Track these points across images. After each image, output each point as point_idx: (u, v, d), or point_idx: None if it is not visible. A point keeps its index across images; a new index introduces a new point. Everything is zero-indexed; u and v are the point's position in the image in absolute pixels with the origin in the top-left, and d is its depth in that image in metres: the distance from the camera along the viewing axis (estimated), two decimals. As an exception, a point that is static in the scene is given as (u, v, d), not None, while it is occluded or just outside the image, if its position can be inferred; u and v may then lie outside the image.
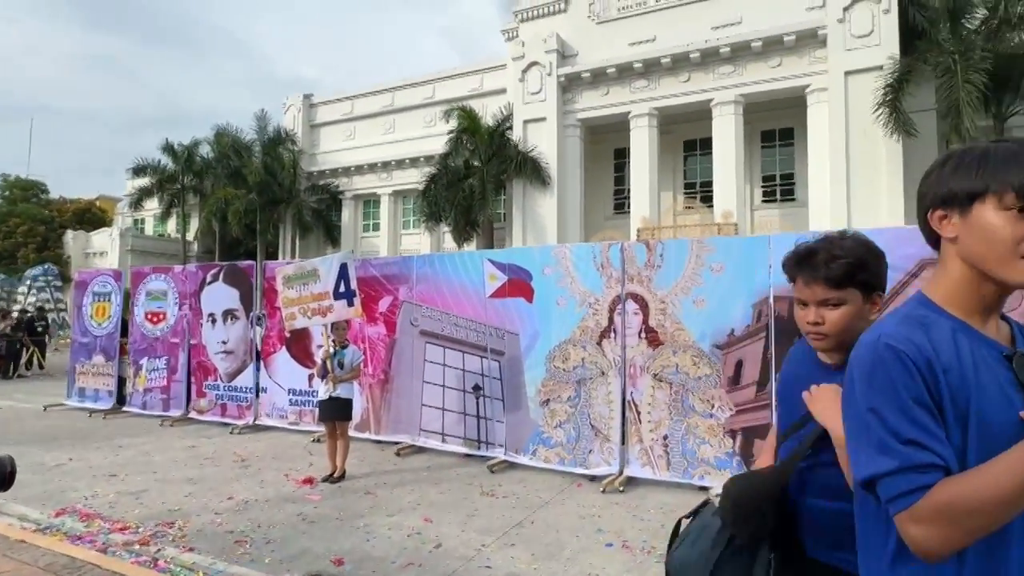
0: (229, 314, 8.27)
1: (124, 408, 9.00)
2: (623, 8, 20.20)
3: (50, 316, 16.49)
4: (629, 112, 19.72)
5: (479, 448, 6.34)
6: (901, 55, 15.35)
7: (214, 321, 8.36)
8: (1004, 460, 0.84)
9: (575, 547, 3.97)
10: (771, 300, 5.08)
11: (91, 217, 38.10)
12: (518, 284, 6.25)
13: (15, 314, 15.46)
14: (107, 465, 5.99)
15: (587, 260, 5.91)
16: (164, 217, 30.29)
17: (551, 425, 5.94)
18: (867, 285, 1.43)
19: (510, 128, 21.13)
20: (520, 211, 20.75)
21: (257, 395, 8.03)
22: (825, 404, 1.35)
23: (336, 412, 5.59)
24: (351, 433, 5.99)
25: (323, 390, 5.64)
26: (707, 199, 19.72)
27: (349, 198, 27.81)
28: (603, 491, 5.18)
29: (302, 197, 27.17)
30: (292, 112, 29.15)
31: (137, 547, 3.86)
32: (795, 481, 1.43)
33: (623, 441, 5.60)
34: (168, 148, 27.88)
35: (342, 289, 5.79)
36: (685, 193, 21.44)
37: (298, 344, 7.72)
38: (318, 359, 6.26)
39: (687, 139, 21.17)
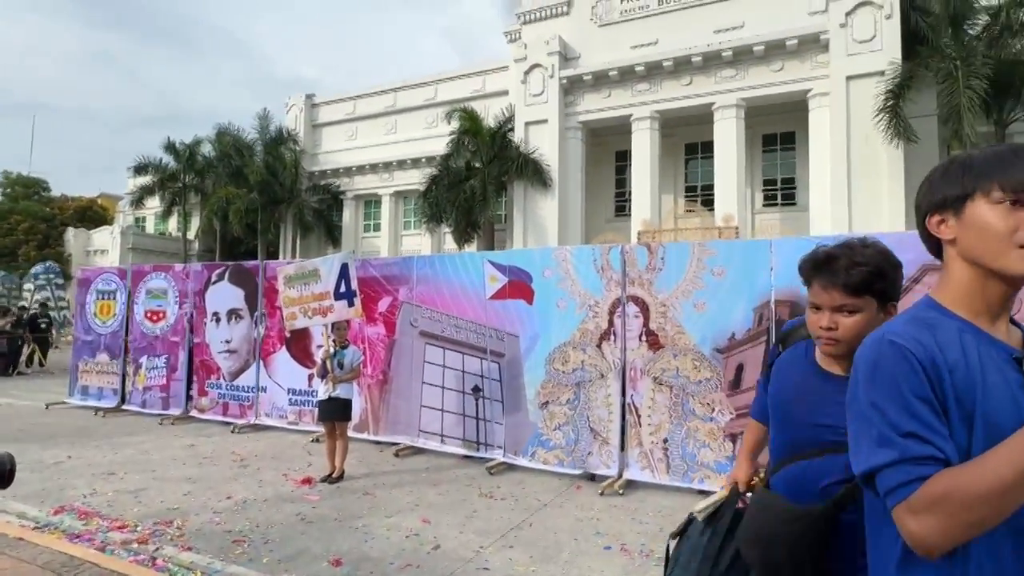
0: (234, 313, 8.28)
1: (123, 406, 9.00)
2: (625, 11, 20.22)
3: (52, 314, 16.49)
4: (631, 115, 19.72)
5: (478, 450, 6.34)
6: (903, 60, 15.37)
7: (218, 320, 8.36)
8: (1003, 449, 0.83)
9: (573, 550, 3.96)
10: (772, 304, 5.08)
11: (92, 215, 38.10)
12: (518, 286, 6.26)
13: (15, 311, 15.45)
14: (106, 463, 5.99)
15: (587, 262, 5.91)
16: (165, 215, 30.35)
17: (550, 427, 5.93)
18: (883, 294, 1.42)
19: (512, 130, 21.14)
20: (521, 213, 20.75)
21: (257, 395, 8.04)
22: None
23: (335, 412, 5.59)
24: (350, 433, 5.99)
25: (323, 390, 5.64)
26: (708, 202, 19.72)
27: (350, 198, 27.83)
28: (602, 494, 5.18)
29: (303, 197, 27.17)
30: (294, 112, 29.18)
31: (135, 546, 3.86)
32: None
33: (622, 444, 5.60)
34: (170, 147, 27.90)
35: (343, 289, 5.80)
36: (686, 196, 21.44)
37: (298, 344, 7.72)
38: (318, 359, 6.27)
39: (688, 142, 21.17)
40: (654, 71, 19.17)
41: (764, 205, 20.29)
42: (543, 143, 20.42)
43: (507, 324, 6.28)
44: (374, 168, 26.84)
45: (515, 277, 6.28)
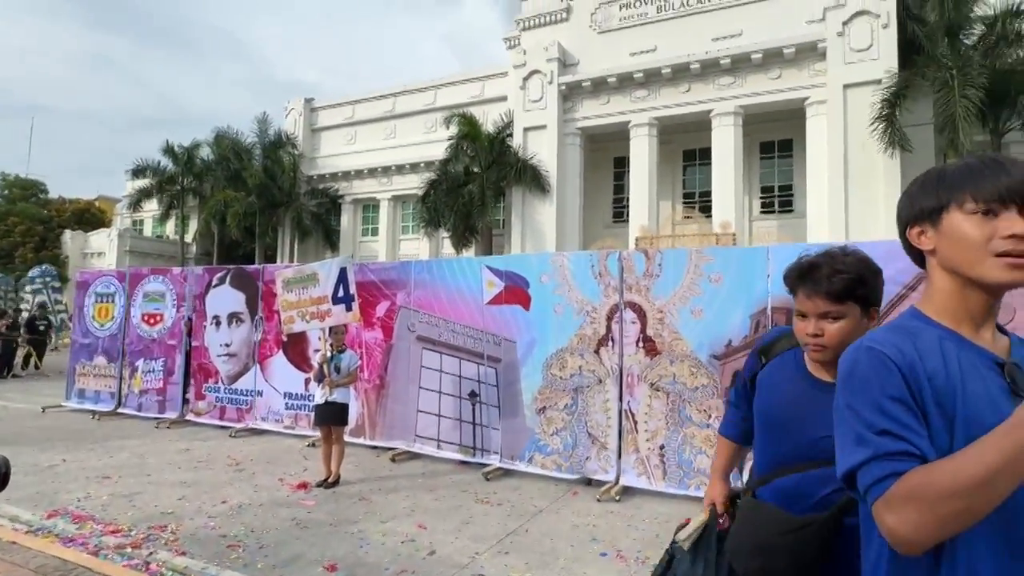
0: (234, 317, 8.26)
1: (119, 410, 8.97)
2: (624, 18, 20.35)
3: (51, 317, 16.45)
4: (629, 121, 19.82)
5: (474, 455, 6.33)
6: (899, 69, 15.48)
7: (218, 323, 8.34)
8: (977, 445, 0.83)
9: (569, 556, 3.96)
10: (769, 311, 5.09)
11: (90, 217, 38.07)
12: (515, 291, 6.26)
13: (11, 313, 15.39)
14: (101, 467, 5.96)
15: (584, 269, 5.92)
16: (163, 218, 30.30)
17: (547, 432, 5.93)
18: (865, 300, 1.47)
19: (510, 135, 21.22)
20: (519, 218, 20.80)
21: (254, 399, 8.02)
22: None
23: (332, 416, 5.57)
24: (346, 438, 5.97)
25: (319, 394, 5.63)
26: (706, 209, 19.80)
27: (348, 202, 27.86)
28: (599, 500, 5.17)
29: (302, 201, 27.20)
30: (293, 116, 29.23)
31: (129, 550, 3.84)
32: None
33: (619, 451, 5.60)
34: (168, 150, 27.92)
35: (341, 293, 5.79)
36: (684, 203, 21.52)
37: (295, 348, 7.71)
38: (315, 363, 6.25)
39: (686, 149, 21.27)
40: (653, 78, 19.27)
41: (761, 212, 20.37)
42: (542, 149, 20.48)
43: (504, 329, 6.28)
44: (373, 172, 26.89)
45: (512, 282, 6.29)
